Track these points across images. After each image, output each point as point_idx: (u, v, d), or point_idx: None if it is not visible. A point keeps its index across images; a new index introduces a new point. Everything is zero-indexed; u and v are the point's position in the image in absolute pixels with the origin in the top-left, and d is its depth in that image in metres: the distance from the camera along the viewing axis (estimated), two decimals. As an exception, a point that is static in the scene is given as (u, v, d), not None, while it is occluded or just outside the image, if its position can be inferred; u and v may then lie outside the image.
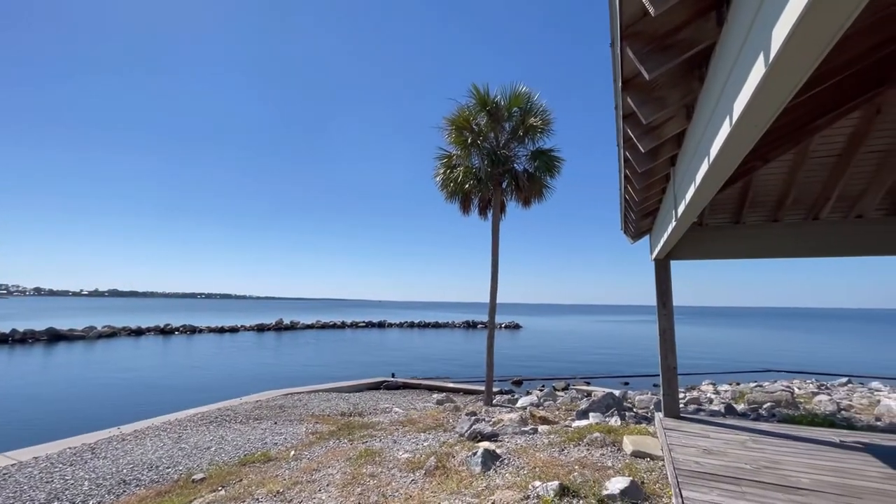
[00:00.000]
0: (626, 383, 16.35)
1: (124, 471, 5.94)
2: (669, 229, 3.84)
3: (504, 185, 10.96)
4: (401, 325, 51.19)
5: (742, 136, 1.64)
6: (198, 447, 7.07)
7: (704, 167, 2.12)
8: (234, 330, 40.51)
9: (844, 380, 14.20)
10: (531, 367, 20.59)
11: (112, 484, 5.49)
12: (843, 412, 8.54)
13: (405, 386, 15.12)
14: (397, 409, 10.18)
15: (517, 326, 52.49)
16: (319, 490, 4.75)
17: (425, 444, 6.58)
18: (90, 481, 5.58)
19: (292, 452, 6.55)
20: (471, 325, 50.64)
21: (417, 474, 5.03)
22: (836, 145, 4.49)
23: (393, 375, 16.31)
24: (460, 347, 30.95)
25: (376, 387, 14.87)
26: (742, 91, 1.45)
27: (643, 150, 2.63)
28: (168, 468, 6.06)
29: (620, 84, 2.15)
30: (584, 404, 8.37)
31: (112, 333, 33.08)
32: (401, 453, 6.06)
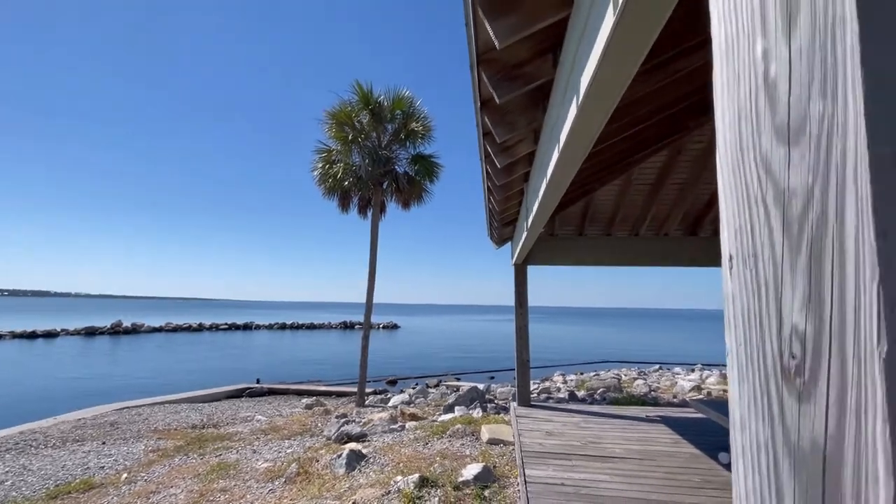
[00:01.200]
0: (492, 377, 17.66)
1: None
2: (524, 237, 4.33)
3: (384, 185, 11.02)
4: (270, 327, 47.52)
5: (567, 161, 1.97)
6: (-15, 482, 5.66)
7: (544, 185, 2.46)
8: (51, 334, 33.16)
9: (657, 367, 17.43)
10: (407, 366, 20.94)
11: None
12: (652, 393, 10.50)
13: (271, 392, 14.12)
14: (260, 417, 9.47)
15: (395, 326, 52.83)
16: (156, 514, 4.21)
17: (289, 450, 6.27)
18: None
19: (125, 475, 5.65)
20: (348, 326, 49.41)
21: (277, 483, 4.78)
22: (651, 176, 5.57)
23: (258, 381, 15.11)
24: (335, 349, 30.00)
25: (237, 395, 13.60)
26: (565, 124, 1.75)
27: (499, 166, 2.94)
28: (-65, 513, 4.74)
29: (479, 104, 2.38)
30: (451, 399, 8.83)
31: None
32: (260, 463, 5.68)
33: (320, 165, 10.96)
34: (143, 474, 5.63)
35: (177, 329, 41.60)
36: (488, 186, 3.80)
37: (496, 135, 2.45)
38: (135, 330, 38.39)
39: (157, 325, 41.78)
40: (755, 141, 0.48)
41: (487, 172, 3.41)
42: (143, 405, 11.04)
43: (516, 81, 2.05)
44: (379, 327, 49.50)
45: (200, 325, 44.43)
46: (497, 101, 2.04)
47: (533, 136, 2.78)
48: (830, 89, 0.38)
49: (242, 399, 13.10)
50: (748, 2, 0.50)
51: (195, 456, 6.36)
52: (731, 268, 0.53)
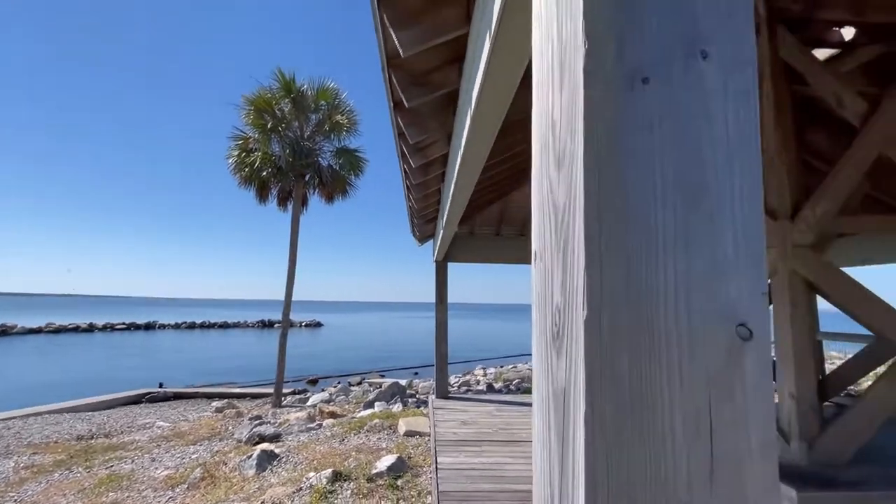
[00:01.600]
0: (416, 373, 17.85)
1: None
2: (441, 235, 4.50)
3: (307, 178, 10.67)
4: (177, 327, 43.53)
5: (469, 167, 2.14)
6: None
7: (453, 187, 2.62)
8: None
9: (569, 358, 18.78)
10: (330, 365, 20.41)
11: None
12: (563, 382, 11.34)
13: (177, 396, 13.03)
14: (162, 424, 8.74)
15: (318, 324, 51.12)
16: (29, 535, 3.76)
17: (194, 456, 5.90)
18: None
19: (-13, 497, 4.95)
20: (266, 325, 46.80)
21: (178, 490, 4.49)
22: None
23: (160, 385, 13.85)
24: (252, 349, 28.34)
25: (136, 401, 12.38)
26: (464, 132, 1.91)
27: (414, 166, 3.06)
28: None
29: (392, 105, 2.47)
30: (372, 395, 8.83)
31: None
32: (160, 471, 5.29)
33: (236, 153, 10.33)
34: (12, 494, 4.97)
35: (60, 330, 36.54)
36: (406, 185, 3.91)
37: (408, 136, 2.56)
38: (4, 332, 33.06)
39: (34, 325, 36.33)
40: (547, 165, 0.63)
41: (405, 171, 3.51)
42: (14, 417, 9.63)
43: (425, 87, 2.17)
44: (300, 325, 47.57)
45: (91, 325, 39.46)
46: (406, 104, 2.14)
47: (446, 139, 2.93)
48: (573, 133, 0.53)
49: (141, 405, 11.96)
50: (549, 58, 0.65)
51: (80, 470, 5.73)
52: (535, 261, 0.68)
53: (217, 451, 5.90)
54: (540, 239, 0.66)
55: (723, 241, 0.49)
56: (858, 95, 3.20)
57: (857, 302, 2.98)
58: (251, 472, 4.61)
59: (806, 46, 3.40)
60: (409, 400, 8.86)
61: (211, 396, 12.95)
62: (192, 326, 44.17)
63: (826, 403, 3.57)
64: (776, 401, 3.12)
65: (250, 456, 4.82)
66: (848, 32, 3.60)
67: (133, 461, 5.92)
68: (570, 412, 0.51)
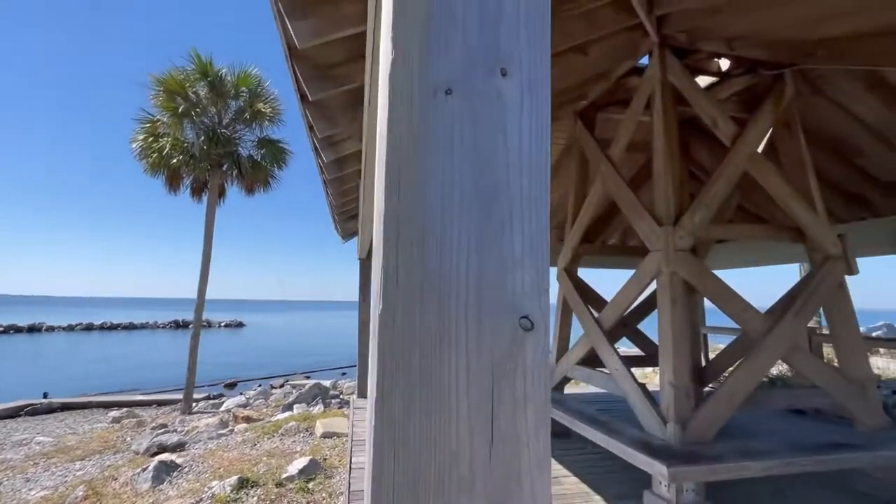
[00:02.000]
0: (344, 373, 17.43)
1: None
2: (362, 232, 4.44)
3: (224, 167, 9.99)
4: (70, 329, 38.60)
5: (374, 161, 2.13)
6: None
7: (363, 183, 2.60)
8: None
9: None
10: (251, 367, 19.28)
11: None
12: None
13: (66, 407, 11.58)
14: (42, 439, 7.72)
15: (240, 324, 48.02)
16: None
17: (79, 473, 5.30)
18: None
19: None
20: (181, 325, 42.93)
21: (54, 512, 4.01)
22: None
23: (45, 395, 12.25)
24: (162, 352, 25.96)
25: (12, 414, 10.83)
26: (364, 130, 1.91)
27: (327, 161, 2.99)
28: None
29: (300, 97, 2.40)
30: (293, 397, 8.51)
31: None
32: (34, 492, 4.69)
33: (141, 138, 9.40)
34: None
35: (-86, 335, 30.89)
36: (323, 180, 3.81)
37: (317, 130, 2.50)
38: None
39: None
40: (381, 170, 0.66)
41: (320, 166, 3.42)
42: None
43: (329, 81, 2.14)
44: (220, 326, 44.35)
45: (-44, 328, 33.79)
46: (310, 97, 2.09)
47: (359, 136, 2.89)
48: (382, 138, 0.56)
49: (19, 419, 10.49)
50: (384, 64, 0.67)
51: (-71, 497, 4.90)
52: (365, 258, 0.70)
53: (108, 466, 5.34)
54: (375, 241, 0.68)
55: (511, 242, 0.55)
56: (730, 119, 3.66)
57: (724, 300, 3.41)
58: (146, 485, 4.23)
59: (691, 73, 3.83)
60: (333, 401, 8.64)
61: (109, 406, 11.68)
62: (89, 328, 39.41)
63: (707, 389, 4.03)
64: (658, 388, 3.49)
65: (146, 468, 4.42)
66: (725, 64, 4.10)
67: (2, 483, 5.18)
68: (372, 403, 0.54)
